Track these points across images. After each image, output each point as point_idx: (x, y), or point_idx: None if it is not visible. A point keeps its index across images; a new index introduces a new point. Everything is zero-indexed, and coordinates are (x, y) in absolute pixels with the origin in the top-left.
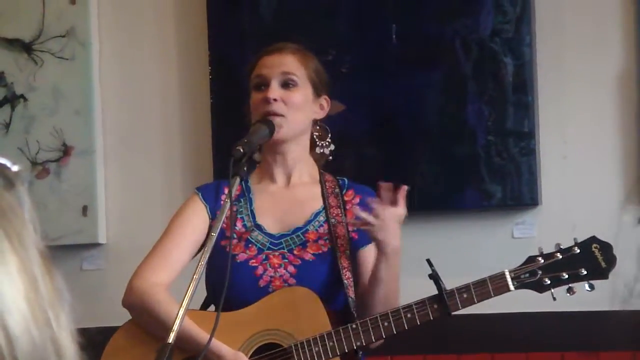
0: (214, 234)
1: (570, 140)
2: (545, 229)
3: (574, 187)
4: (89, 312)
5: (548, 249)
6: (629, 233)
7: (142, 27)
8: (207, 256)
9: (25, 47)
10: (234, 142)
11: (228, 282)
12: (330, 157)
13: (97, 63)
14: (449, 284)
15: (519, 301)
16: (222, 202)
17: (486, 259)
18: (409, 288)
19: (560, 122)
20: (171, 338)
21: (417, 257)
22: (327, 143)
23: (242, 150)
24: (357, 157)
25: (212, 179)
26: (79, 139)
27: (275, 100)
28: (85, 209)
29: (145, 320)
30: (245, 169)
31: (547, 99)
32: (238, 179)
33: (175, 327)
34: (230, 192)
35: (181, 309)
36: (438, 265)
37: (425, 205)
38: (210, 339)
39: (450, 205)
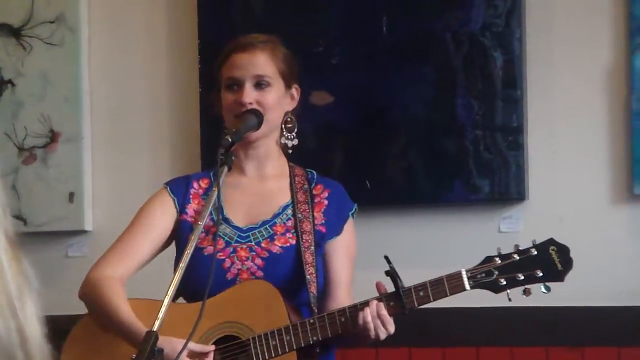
0: (201, 223)
1: (559, 136)
2: (531, 223)
3: (562, 182)
4: (74, 299)
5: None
6: (616, 229)
7: (132, 14)
8: (194, 245)
9: (14, 33)
10: (222, 131)
11: (195, 275)
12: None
13: (86, 49)
14: (435, 276)
15: (503, 296)
16: (191, 195)
17: (472, 252)
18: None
19: (549, 117)
20: (156, 326)
21: (404, 250)
22: (292, 136)
23: (230, 139)
24: (345, 149)
25: (200, 167)
26: (67, 126)
27: (250, 103)
28: (71, 196)
29: (92, 311)
30: (232, 158)
31: (537, 94)
32: (226, 169)
33: (161, 315)
34: (217, 181)
35: (166, 297)
36: (424, 258)
37: (412, 198)
38: (192, 332)
39: (437, 199)
